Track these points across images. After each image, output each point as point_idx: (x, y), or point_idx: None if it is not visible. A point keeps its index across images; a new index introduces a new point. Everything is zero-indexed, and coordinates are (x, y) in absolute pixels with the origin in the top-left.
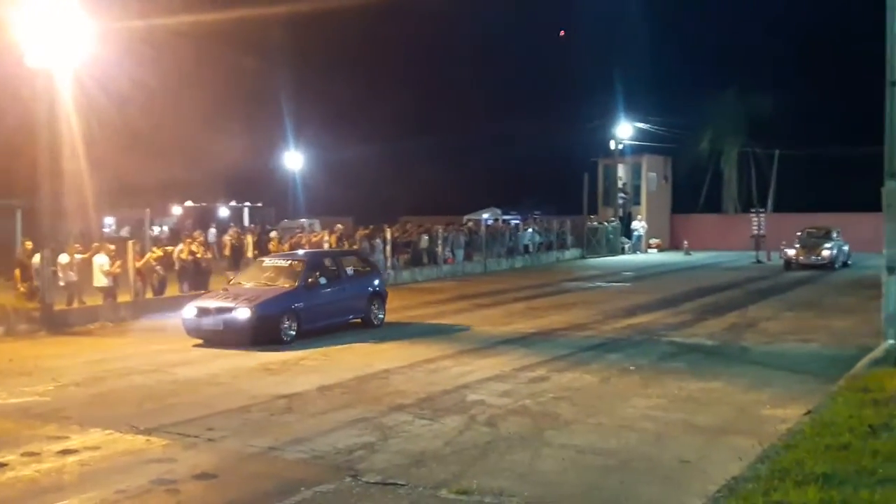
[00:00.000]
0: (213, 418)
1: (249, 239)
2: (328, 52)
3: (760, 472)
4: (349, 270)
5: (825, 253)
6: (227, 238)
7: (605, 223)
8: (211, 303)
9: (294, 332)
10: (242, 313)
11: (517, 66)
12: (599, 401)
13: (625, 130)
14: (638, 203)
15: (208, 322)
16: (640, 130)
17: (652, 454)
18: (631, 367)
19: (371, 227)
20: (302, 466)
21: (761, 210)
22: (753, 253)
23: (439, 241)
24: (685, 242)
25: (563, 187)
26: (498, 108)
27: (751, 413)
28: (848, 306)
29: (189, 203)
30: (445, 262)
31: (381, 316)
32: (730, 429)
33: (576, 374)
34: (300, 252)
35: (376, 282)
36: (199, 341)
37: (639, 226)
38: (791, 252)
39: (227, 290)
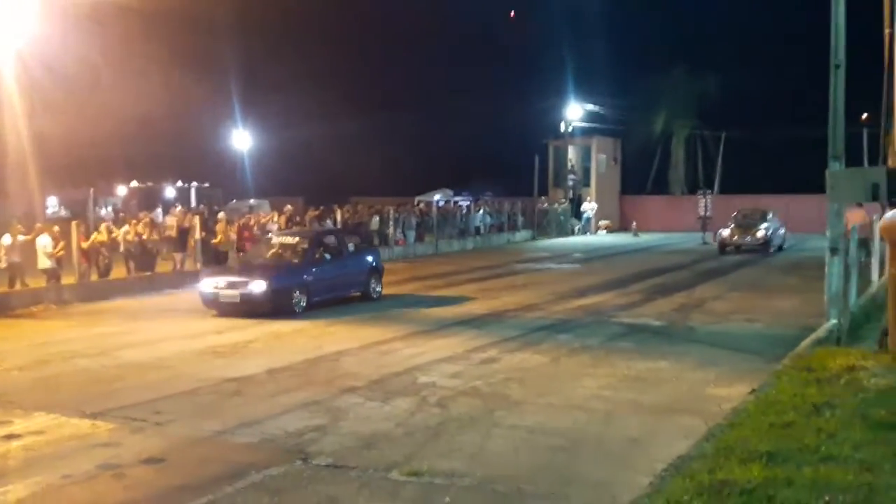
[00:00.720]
0: (161, 402)
1: (197, 220)
2: (277, 31)
3: (706, 450)
4: (350, 247)
5: (760, 234)
6: (172, 219)
7: (556, 205)
8: (227, 277)
9: (305, 304)
10: (258, 286)
11: (468, 47)
12: (549, 381)
13: (574, 112)
14: (588, 185)
15: (226, 294)
16: (589, 112)
17: (601, 433)
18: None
19: (321, 207)
20: (251, 450)
21: (708, 192)
22: (700, 234)
23: (390, 223)
24: (634, 224)
25: (514, 169)
26: (449, 89)
27: (697, 392)
28: (792, 287)
29: (134, 183)
30: (396, 243)
31: (378, 290)
32: (677, 408)
33: (526, 355)
34: (307, 230)
35: (374, 258)
36: (148, 324)
37: (588, 207)
38: (725, 233)
39: (238, 265)
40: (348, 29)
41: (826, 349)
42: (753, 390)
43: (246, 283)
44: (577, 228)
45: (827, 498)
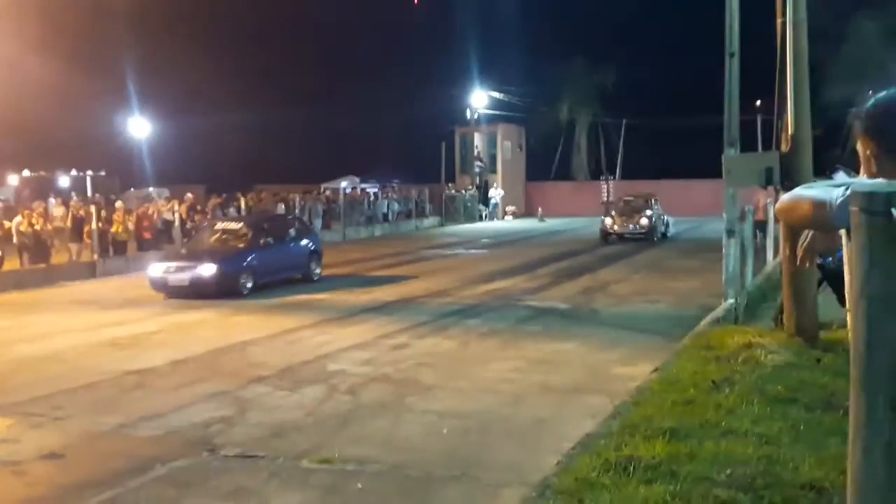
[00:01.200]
0: (59, 396)
1: (93, 210)
2: (175, 15)
3: (612, 428)
4: (291, 232)
5: (644, 222)
6: (60, 209)
7: (463, 191)
8: (176, 262)
9: (251, 286)
10: (207, 270)
11: (373, 34)
12: (459, 365)
13: (480, 99)
14: (494, 171)
15: (175, 278)
16: (494, 100)
17: (510, 415)
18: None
19: (223, 195)
20: (155, 443)
21: (610, 177)
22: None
23: (296, 211)
24: (540, 209)
25: (421, 156)
26: (354, 75)
27: (602, 372)
28: (691, 268)
29: (26, 172)
30: None
31: (317, 271)
32: (583, 388)
33: (436, 340)
34: (251, 216)
35: (314, 243)
36: (44, 317)
37: (495, 193)
38: (607, 221)
39: (185, 251)
40: (251, 15)
41: (724, 328)
42: (656, 369)
43: (195, 268)
44: (484, 214)
45: (728, 471)
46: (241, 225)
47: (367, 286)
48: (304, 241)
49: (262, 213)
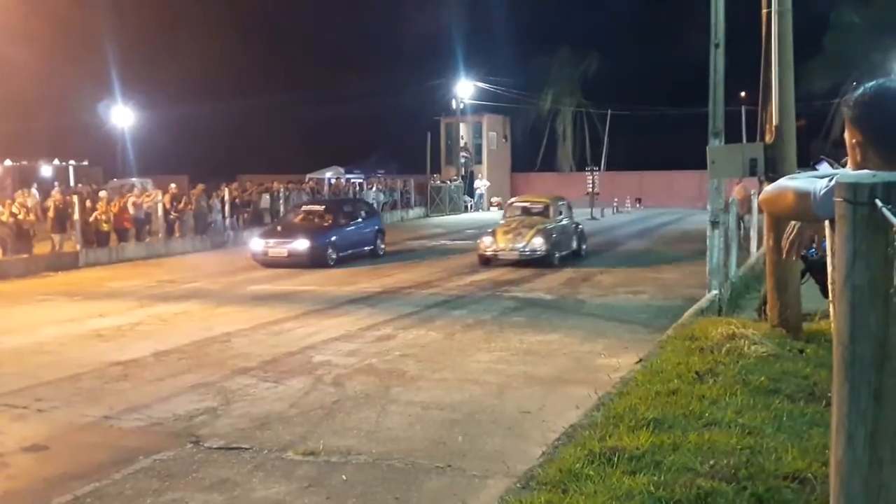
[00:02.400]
0: (42, 388)
1: (76, 200)
2: (159, 5)
3: (596, 419)
4: (362, 214)
5: (537, 241)
6: (32, 200)
7: (448, 182)
8: (275, 238)
9: (335, 258)
10: (302, 244)
11: (360, 23)
12: (444, 356)
13: (465, 89)
14: (480, 162)
15: (274, 252)
16: (480, 90)
17: (495, 406)
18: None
19: (203, 186)
20: (139, 435)
21: (595, 168)
22: (588, 210)
23: (281, 201)
24: None
25: (407, 146)
26: (339, 65)
27: (587, 363)
28: (676, 259)
29: (8, 162)
30: None
31: (382, 247)
32: (567, 379)
33: (421, 332)
34: (331, 200)
35: (379, 223)
36: (26, 308)
37: (481, 184)
38: (487, 241)
39: (280, 228)
40: (237, 4)
41: (708, 319)
42: (640, 360)
43: (291, 242)
44: (469, 205)
45: (712, 461)
46: (323, 207)
47: (351, 277)
48: (372, 221)
49: (340, 197)
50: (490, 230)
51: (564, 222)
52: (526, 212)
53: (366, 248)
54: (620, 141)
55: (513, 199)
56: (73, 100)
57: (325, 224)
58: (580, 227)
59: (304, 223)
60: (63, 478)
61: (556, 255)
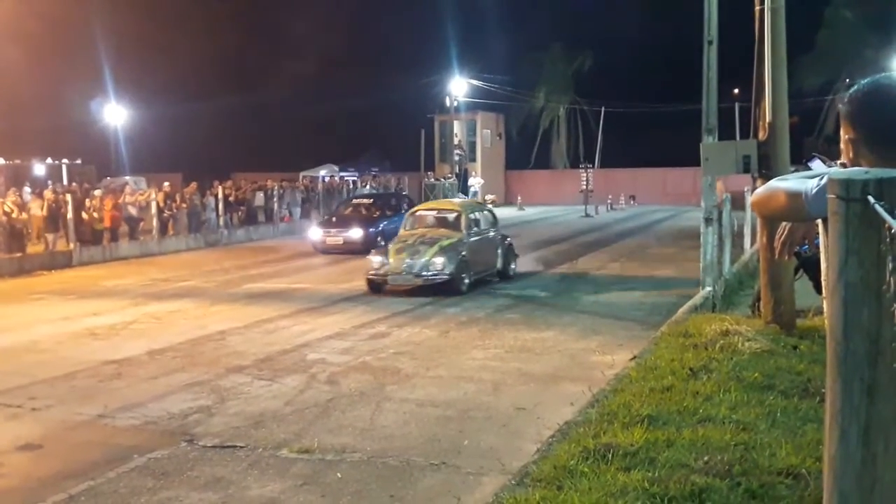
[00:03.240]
0: (36, 387)
1: (69, 199)
2: (151, 3)
3: (591, 415)
4: (405, 206)
5: (439, 261)
6: (32, 202)
7: (442, 179)
8: (330, 228)
9: (384, 244)
10: (356, 233)
11: (352, 21)
12: (439, 354)
13: (459, 87)
14: (473, 160)
15: (331, 240)
16: (474, 87)
17: (489, 403)
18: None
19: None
20: (133, 433)
21: (589, 166)
22: (582, 207)
23: (275, 199)
24: (519, 198)
25: (401, 144)
26: (333, 63)
27: (581, 360)
28: (669, 256)
29: (0, 161)
30: (282, 220)
31: None
32: (562, 376)
33: (416, 329)
34: (378, 194)
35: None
36: (20, 306)
37: (475, 182)
38: (376, 261)
39: (335, 219)
40: (229, 2)
41: (702, 315)
42: (634, 357)
43: (346, 231)
44: None
45: (706, 458)
46: (371, 200)
47: (345, 275)
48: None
49: (386, 192)
50: (382, 246)
51: (481, 236)
52: (431, 222)
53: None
54: (614, 138)
55: (417, 207)
56: (66, 98)
57: (375, 215)
58: (508, 240)
59: (356, 214)
60: (57, 477)
61: (466, 279)
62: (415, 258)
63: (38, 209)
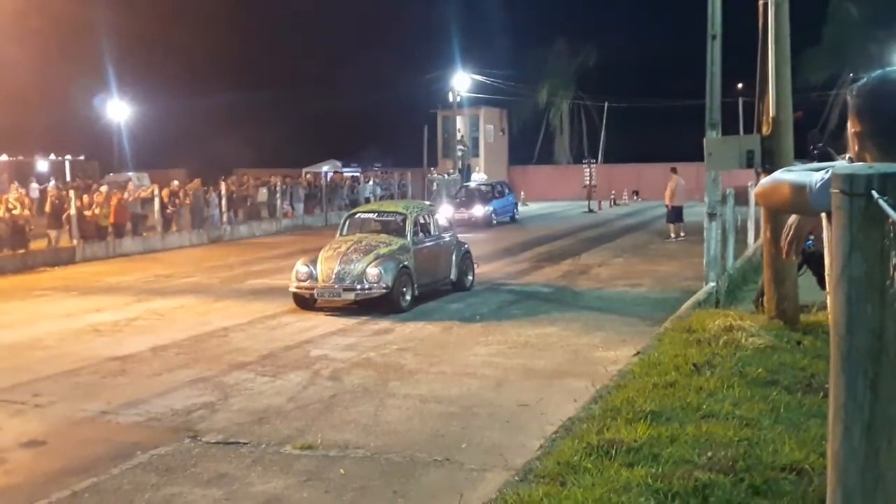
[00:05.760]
0: (40, 383)
1: (72, 195)
2: (154, 2)
3: (594, 411)
4: (507, 191)
5: (372, 272)
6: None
7: (446, 175)
8: (457, 207)
9: (496, 222)
10: (479, 210)
11: (356, 16)
12: (442, 350)
13: (462, 82)
14: (477, 155)
15: (458, 216)
16: (477, 83)
17: (493, 399)
18: (477, 317)
19: (198, 180)
20: (137, 429)
21: (592, 161)
22: (585, 202)
23: (278, 195)
24: (522, 193)
25: (403, 139)
26: (336, 58)
27: (584, 356)
28: (672, 252)
29: (4, 157)
30: (285, 215)
31: (517, 217)
32: (565, 372)
33: (419, 325)
34: (489, 182)
35: (514, 198)
36: (23, 303)
37: (478, 177)
38: (302, 271)
39: (458, 200)
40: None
41: (705, 311)
42: (637, 352)
43: (471, 208)
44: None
45: (709, 453)
46: (483, 186)
47: None
48: (511, 197)
49: (496, 180)
50: (311, 256)
51: (431, 242)
52: (372, 227)
53: (508, 216)
54: (617, 134)
55: (357, 209)
56: (70, 94)
57: (487, 197)
58: (465, 247)
59: (474, 197)
60: (61, 473)
61: (408, 293)
62: (346, 268)
63: (40, 205)
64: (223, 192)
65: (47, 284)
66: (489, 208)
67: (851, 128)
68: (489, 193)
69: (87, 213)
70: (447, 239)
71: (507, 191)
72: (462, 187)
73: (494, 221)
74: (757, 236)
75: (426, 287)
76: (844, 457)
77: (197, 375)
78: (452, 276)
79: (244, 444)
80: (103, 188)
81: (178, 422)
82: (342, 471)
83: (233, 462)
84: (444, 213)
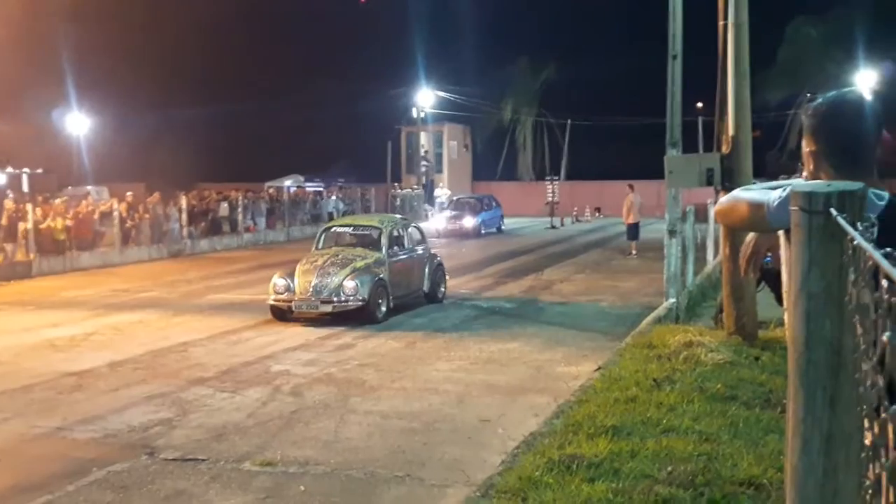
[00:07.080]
0: None
1: (28, 208)
2: (115, 11)
3: (556, 427)
4: (494, 204)
5: (349, 285)
6: None
7: (409, 190)
8: (447, 218)
9: (484, 232)
10: (469, 221)
11: (319, 32)
12: (404, 365)
13: (426, 98)
14: (440, 171)
15: (450, 226)
16: (440, 99)
17: (454, 415)
18: (439, 332)
19: (157, 193)
20: (93, 446)
21: (555, 178)
22: (549, 219)
23: (239, 209)
24: None
25: (367, 155)
26: (299, 74)
27: (546, 371)
28: (633, 268)
29: None
30: (247, 230)
31: (503, 227)
32: (527, 387)
33: (381, 340)
34: (476, 195)
35: (500, 212)
36: None
37: (441, 193)
38: (280, 284)
39: (448, 212)
40: (193, 10)
41: (666, 326)
42: (599, 368)
43: (461, 219)
44: (430, 214)
45: (669, 468)
46: (471, 198)
47: None
48: (498, 210)
49: (482, 194)
50: (289, 269)
51: (405, 255)
52: (348, 240)
53: (495, 227)
54: (580, 151)
55: (332, 223)
56: (28, 106)
57: (476, 209)
58: (437, 259)
59: (464, 208)
60: (14, 490)
61: (384, 306)
62: (323, 281)
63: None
64: (183, 206)
65: (2, 299)
66: (478, 220)
67: (807, 147)
68: (478, 206)
69: (42, 225)
70: (420, 252)
71: (494, 204)
72: (453, 199)
73: (483, 231)
74: (716, 253)
75: (401, 299)
76: (803, 471)
77: (155, 391)
78: (426, 288)
79: (202, 460)
80: (58, 201)
81: (135, 438)
82: (302, 488)
83: (191, 479)
84: (437, 223)
